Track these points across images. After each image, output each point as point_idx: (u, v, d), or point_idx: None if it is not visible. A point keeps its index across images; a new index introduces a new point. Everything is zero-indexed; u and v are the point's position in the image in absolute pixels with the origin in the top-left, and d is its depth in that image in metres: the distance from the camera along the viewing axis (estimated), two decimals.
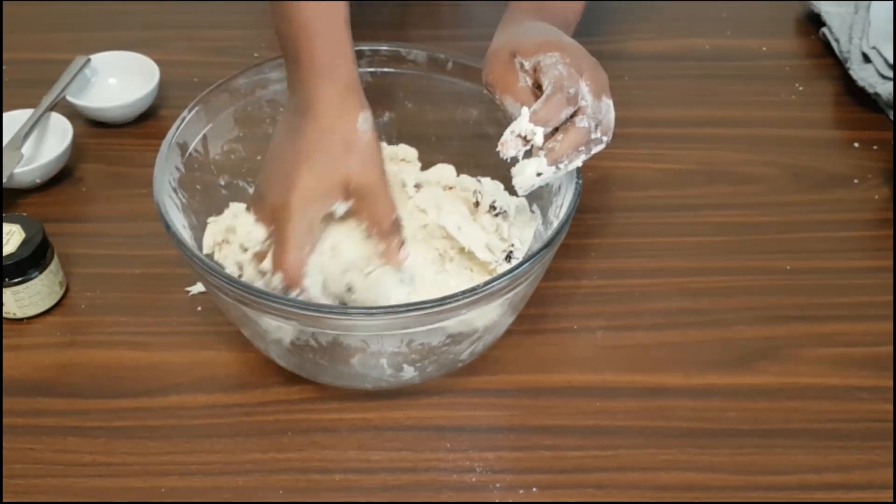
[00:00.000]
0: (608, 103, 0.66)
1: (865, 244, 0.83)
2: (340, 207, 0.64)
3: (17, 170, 0.83)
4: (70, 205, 0.85)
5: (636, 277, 0.79)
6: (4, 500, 0.64)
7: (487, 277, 0.71)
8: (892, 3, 0.99)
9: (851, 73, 0.96)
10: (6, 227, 0.74)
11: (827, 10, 1.03)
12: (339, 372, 0.67)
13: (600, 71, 0.67)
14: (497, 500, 0.65)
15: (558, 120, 0.63)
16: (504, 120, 0.67)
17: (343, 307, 0.65)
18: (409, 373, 0.67)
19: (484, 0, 1.06)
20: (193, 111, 0.72)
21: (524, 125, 0.63)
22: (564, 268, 0.78)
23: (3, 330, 0.75)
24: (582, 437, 0.68)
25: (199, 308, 0.76)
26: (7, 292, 0.73)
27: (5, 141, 0.85)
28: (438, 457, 0.67)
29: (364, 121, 0.64)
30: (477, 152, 0.77)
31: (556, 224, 0.67)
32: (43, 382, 0.71)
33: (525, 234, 0.73)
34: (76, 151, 0.89)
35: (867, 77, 0.94)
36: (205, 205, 0.73)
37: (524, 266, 0.61)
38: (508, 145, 0.63)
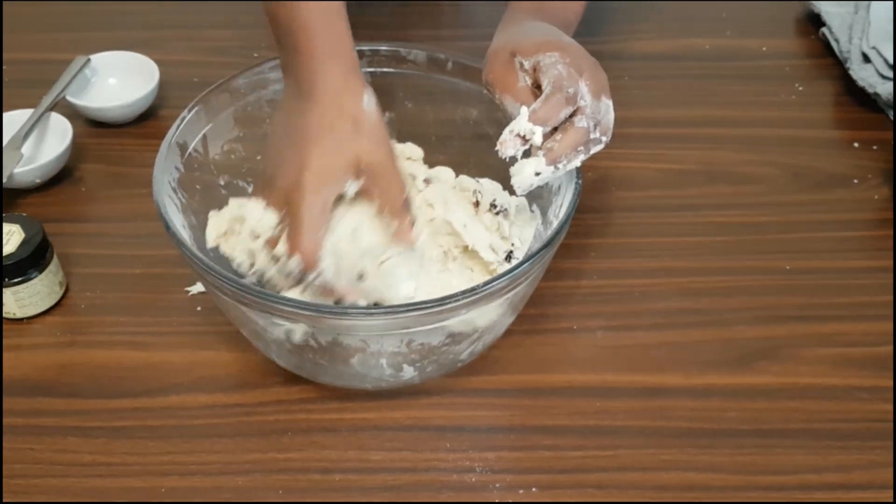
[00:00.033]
0: (607, 103, 0.66)
1: (865, 244, 0.83)
2: (352, 187, 0.63)
3: (17, 170, 0.83)
4: (70, 205, 0.85)
5: (636, 277, 0.79)
6: (4, 500, 0.64)
7: (487, 277, 0.71)
8: (892, 3, 0.99)
9: (851, 73, 0.96)
10: (6, 227, 0.74)
11: (827, 10, 1.03)
12: (338, 372, 0.67)
13: (600, 71, 0.67)
14: (497, 500, 0.65)
15: (557, 120, 0.63)
16: (504, 120, 0.67)
17: (343, 307, 0.65)
18: (408, 373, 0.67)
19: (484, 0, 1.06)
20: (193, 111, 0.72)
21: (523, 124, 0.63)
22: (564, 268, 0.78)
23: (3, 330, 0.75)
24: (582, 437, 0.68)
25: (199, 308, 0.76)
26: (7, 292, 0.73)
27: (5, 141, 0.85)
28: (438, 457, 0.67)
29: (369, 100, 0.64)
30: (477, 152, 0.77)
31: (555, 224, 0.67)
32: (43, 382, 0.71)
33: (525, 233, 0.73)
34: (76, 151, 0.89)
35: (867, 77, 0.94)
36: (204, 205, 0.73)
37: (524, 266, 0.61)
38: (507, 144, 0.63)
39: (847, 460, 0.67)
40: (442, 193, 0.73)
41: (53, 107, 0.89)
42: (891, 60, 0.94)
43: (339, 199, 0.64)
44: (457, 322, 0.63)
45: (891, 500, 0.65)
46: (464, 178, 0.77)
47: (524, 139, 0.63)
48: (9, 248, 0.72)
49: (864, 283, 0.79)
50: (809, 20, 1.06)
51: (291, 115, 0.64)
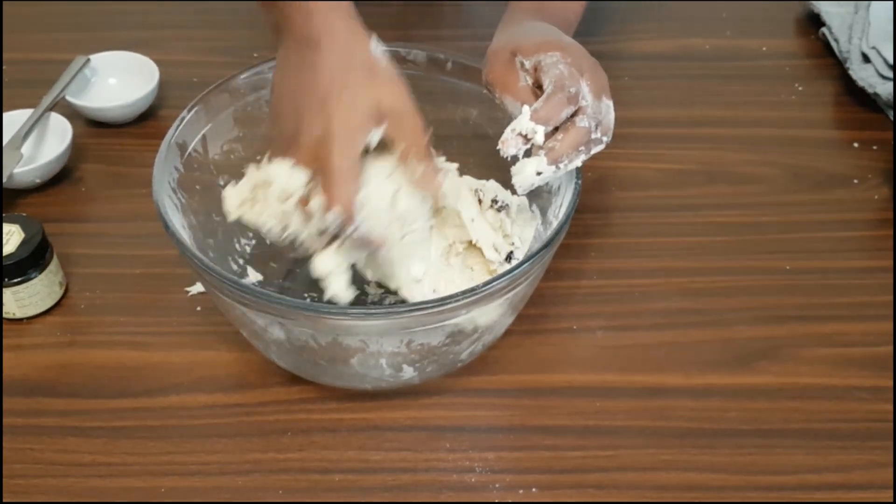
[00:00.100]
0: (608, 104, 0.66)
1: (865, 244, 0.83)
2: (376, 134, 0.62)
3: (17, 170, 0.83)
4: (70, 205, 0.85)
5: (636, 277, 0.79)
6: (4, 500, 0.64)
7: (487, 277, 0.71)
8: (892, 3, 0.99)
9: (851, 73, 0.96)
10: (6, 227, 0.74)
11: (827, 10, 1.03)
12: (338, 372, 0.67)
13: (600, 71, 0.67)
14: (497, 500, 0.65)
15: (559, 119, 0.63)
16: (504, 120, 0.67)
17: (343, 307, 0.65)
18: (408, 373, 0.67)
19: (484, 0, 1.06)
20: (193, 111, 0.72)
21: (525, 124, 0.63)
22: (564, 268, 0.78)
23: (3, 330, 0.75)
24: (582, 437, 0.68)
25: (199, 308, 0.76)
26: (7, 292, 0.73)
27: (5, 141, 0.85)
28: (438, 457, 0.67)
29: (376, 45, 0.63)
30: (477, 152, 0.77)
31: (555, 224, 0.67)
32: (43, 382, 0.71)
33: (525, 233, 0.73)
34: (76, 151, 0.89)
35: (867, 77, 0.94)
36: (204, 205, 0.73)
37: (524, 266, 0.61)
38: (509, 143, 0.63)
39: (847, 460, 0.67)
40: (454, 184, 0.72)
41: (53, 107, 0.89)
42: (891, 60, 0.94)
43: (364, 151, 0.62)
44: (456, 322, 0.63)
45: (891, 500, 0.65)
46: (467, 177, 0.77)
47: (526, 138, 0.63)
48: (9, 248, 0.72)
49: (864, 283, 0.79)
50: (809, 20, 1.06)
51: (300, 71, 0.62)
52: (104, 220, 0.84)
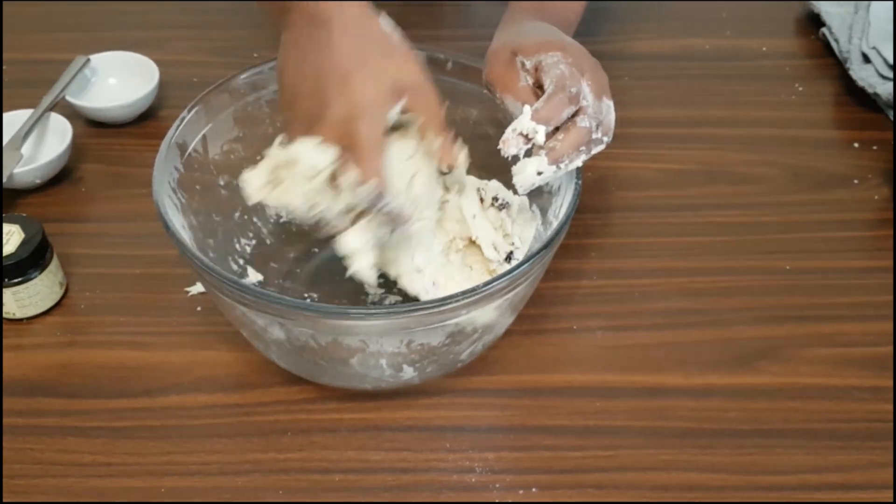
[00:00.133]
0: (609, 104, 0.66)
1: (865, 244, 0.83)
2: (396, 109, 0.62)
3: (17, 170, 0.83)
4: (70, 205, 0.85)
5: (636, 277, 0.79)
6: (4, 500, 0.64)
7: (486, 277, 0.71)
8: (892, 3, 0.99)
9: (851, 73, 0.96)
10: (6, 227, 0.74)
11: (827, 10, 1.03)
12: (338, 372, 0.67)
13: (601, 72, 0.67)
14: (497, 500, 0.65)
15: (560, 119, 0.63)
16: (504, 120, 0.67)
17: (342, 307, 0.65)
18: (408, 373, 0.67)
19: (484, 0, 1.06)
20: (193, 111, 0.72)
21: (526, 123, 0.63)
22: (564, 268, 0.78)
23: (3, 330, 0.75)
24: (582, 437, 0.68)
25: (199, 308, 0.76)
26: (7, 292, 0.73)
27: (5, 141, 0.85)
28: (438, 457, 0.67)
29: (386, 22, 0.63)
30: (477, 153, 0.76)
31: (555, 224, 0.67)
32: (43, 382, 0.71)
33: (525, 233, 0.73)
34: (76, 151, 0.89)
35: (867, 77, 0.94)
36: (204, 205, 0.73)
37: (524, 266, 0.61)
38: (510, 143, 0.63)
39: (847, 460, 0.67)
40: (458, 178, 0.72)
41: (53, 107, 0.89)
42: (891, 60, 0.94)
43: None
44: (457, 322, 0.63)
45: (891, 500, 0.65)
46: (470, 177, 0.77)
47: (527, 138, 0.63)
48: (9, 248, 0.72)
49: (864, 283, 0.79)
50: (809, 20, 1.06)
51: (313, 50, 0.62)
52: (104, 220, 0.84)
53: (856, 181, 0.88)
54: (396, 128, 0.64)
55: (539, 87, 0.66)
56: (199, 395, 0.70)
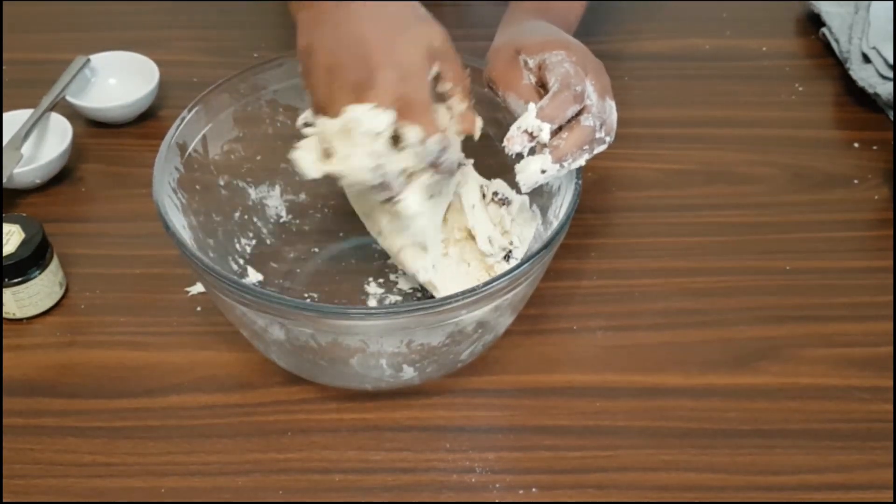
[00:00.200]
0: (611, 104, 0.66)
1: (865, 244, 0.83)
2: (432, 73, 0.63)
3: (17, 170, 0.83)
4: (70, 205, 0.85)
5: (636, 277, 0.79)
6: (4, 500, 0.64)
7: (483, 274, 0.71)
8: (892, 3, 0.99)
9: (851, 73, 0.96)
10: (6, 227, 0.74)
11: (827, 10, 1.03)
12: (338, 372, 0.67)
13: (604, 72, 0.67)
14: (497, 501, 0.65)
15: (564, 117, 0.63)
16: (504, 120, 0.67)
17: (342, 307, 0.65)
18: (408, 373, 0.67)
19: (484, 0, 1.06)
20: (193, 111, 0.72)
21: (531, 121, 0.63)
22: (564, 268, 0.78)
23: (3, 330, 0.75)
24: (582, 437, 0.68)
25: (199, 308, 0.76)
26: (7, 292, 0.73)
27: (5, 141, 0.85)
28: (438, 457, 0.67)
29: None
30: (477, 153, 0.77)
31: (555, 224, 0.67)
32: (43, 382, 0.71)
33: (525, 232, 0.74)
34: (76, 151, 0.89)
35: (867, 77, 0.94)
36: (204, 205, 0.73)
37: (524, 266, 0.61)
38: (514, 141, 0.63)
39: (847, 460, 0.67)
40: (463, 171, 0.72)
41: (53, 107, 0.89)
42: (891, 60, 0.94)
43: None
44: (457, 322, 0.63)
45: (891, 500, 0.65)
46: (474, 172, 0.77)
47: (531, 136, 0.63)
48: (9, 248, 0.72)
49: (864, 283, 0.79)
50: (809, 20, 1.06)
51: (351, 21, 0.62)
52: (104, 220, 0.84)
53: (856, 181, 0.88)
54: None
55: (542, 86, 0.66)
56: (199, 395, 0.70)
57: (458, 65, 0.64)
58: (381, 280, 0.77)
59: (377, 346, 0.64)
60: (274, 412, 0.70)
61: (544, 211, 0.74)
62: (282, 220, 0.81)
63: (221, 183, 0.76)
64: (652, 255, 0.81)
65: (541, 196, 0.74)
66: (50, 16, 1.07)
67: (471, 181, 0.72)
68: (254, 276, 0.76)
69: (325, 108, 0.63)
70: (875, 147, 0.92)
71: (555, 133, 0.64)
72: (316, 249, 0.79)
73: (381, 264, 0.78)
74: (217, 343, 0.74)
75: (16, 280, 0.73)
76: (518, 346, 0.74)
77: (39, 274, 0.74)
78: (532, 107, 0.63)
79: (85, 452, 0.67)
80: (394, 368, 0.66)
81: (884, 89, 0.93)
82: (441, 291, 0.71)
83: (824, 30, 1.02)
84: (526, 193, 0.71)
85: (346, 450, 0.68)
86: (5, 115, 0.87)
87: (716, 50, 1.03)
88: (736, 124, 0.94)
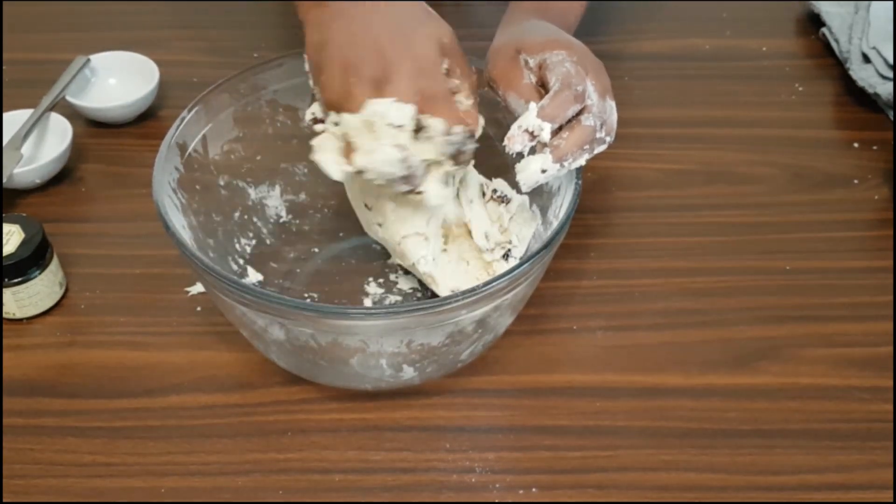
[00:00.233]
0: (612, 104, 0.66)
1: (865, 244, 0.83)
2: (443, 68, 0.64)
3: (17, 170, 0.83)
4: (70, 205, 0.85)
5: (636, 277, 0.79)
6: (4, 500, 0.64)
7: (482, 273, 0.71)
8: (892, 3, 0.99)
9: (851, 73, 0.96)
10: (6, 227, 0.74)
11: (827, 10, 1.03)
12: (338, 372, 0.67)
13: (604, 72, 0.67)
14: (497, 501, 0.65)
15: (565, 116, 0.63)
16: (504, 120, 0.67)
17: (342, 307, 0.65)
18: (408, 373, 0.67)
19: (484, 0, 1.06)
20: (193, 111, 0.72)
21: (532, 120, 0.63)
22: (564, 268, 0.78)
23: (3, 330, 0.75)
24: (582, 437, 0.68)
25: (199, 308, 0.76)
26: (7, 292, 0.73)
27: (5, 141, 0.85)
28: (438, 457, 0.67)
29: None
30: (477, 152, 0.76)
31: (555, 224, 0.67)
32: (43, 382, 0.71)
33: (524, 232, 0.74)
34: (76, 151, 0.89)
35: (867, 77, 0.94)
36: (204, 205, 0.73)
37: (524, 266, 0.61)
38: (515, 140, 0.63)
39: (847, 460, 0.67)
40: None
41: (53, 107, 0.89)
42: (891, 60, 0.94)
43: None
44: (456, 322, 0.63)
45: (891, 500, 0.65)
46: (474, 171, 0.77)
47: (532, 135, 0.63)
48: (9, 248, 0.72)
49: (864, 283, 0.79)
50: (809, 20, 1.06)
51: (366, 18, 0.63)
52: (104, 220, 0.84)
53: (856, 181, 0.88)
54: None
55: (542, 86, 0.66)
56: (199, 395, 0.70)
57: (465, 62, 0.65)
58: (381, 280, 0.77)
59: (377, 346, 0.64)
60: (274, 412, 0.70)
61: (544, 211, 0.74)
62: (282, 220, 0.81)
63: (221, 183, 0.76)
64: (652, 255, 0.81)
65: (541, 196, 0.74)
66: (50, 16, 1.07)
67: (470, 177, 0.72)
68: (254, 276, 0.76)
69: (341, 104, 0.63)
70: (875, 147, 0.92)
71: (555, 133, 0.64)
72: (316, 249, 0.79)
73: (381, 264, 0.78)
74: (217, 343, 0.74)
75: (16, 280, 0.73)
76: (518, 346, 0.74)
77: (39, 274, 0.74)
78: (533, 106, 0.63)
79: (85, 452, 0.67)
80: (394, 368, 0.66)
81: (884, 89, 0.93)
82: (440, 286, 0.71)
83: (824, 30, 1.02)
84: (526, 193, 0.71)
85: (346, 450, 0.68)
86: (5, 115, 0.87)
87: (716, 50, 1.03)
88: (736, 124, 0.94)
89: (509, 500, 0.65)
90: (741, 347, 0.74)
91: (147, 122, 0.93)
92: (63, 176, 0.87)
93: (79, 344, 0.74)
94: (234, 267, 0.76)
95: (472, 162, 0.72)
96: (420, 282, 0.75)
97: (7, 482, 0.65)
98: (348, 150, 0.63)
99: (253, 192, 0.79)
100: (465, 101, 0.64)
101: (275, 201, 0.80)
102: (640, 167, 0.89)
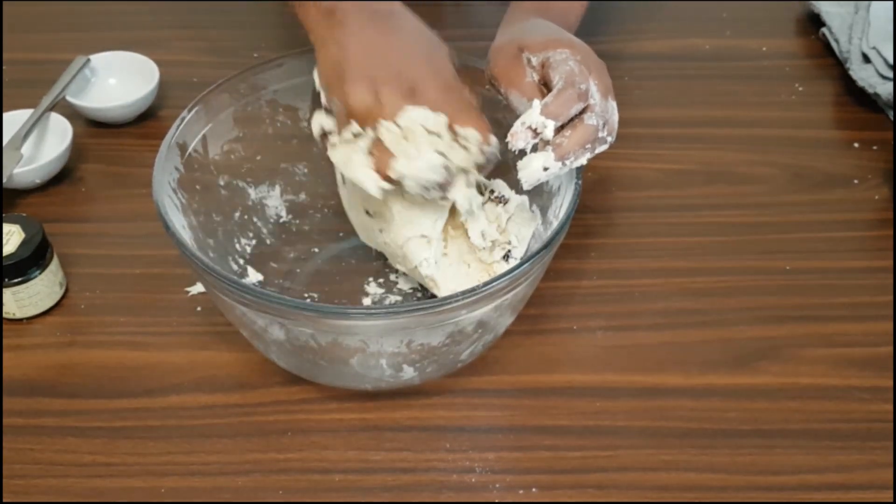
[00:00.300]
0: (613, 104, 0.66)
1: (865, 244, 0.83)
2: None
3: (17, 170, 0.83)
4: (70, 205, 0.85)
5: (636, 277, 0.79)
6: (4, 500, 0.64)
7: (483, 275, 0.71)
8: (892, 3, 0.99)
9: (851, 73, 0.96)
10: (6, 227, 0.74)
11: (827, 10, 1.03)
12: (338, 372, 0.67)
13: (606, 72, 0.67)
14: (497, 501, 0.65)
15: (568, 115, 0.63)
16: (505, 120, 0.67)
17: (342, 307, 0.65)
18: (408, 373, 0.67)
19: (484, 0, 1.06)
20: (193, 111, 0.72)
21: (535, 117, 0.63)
22: (564, 268, 0.78)
23: (3, 330, 0.75)
24: (582, 437, 0.68)
25: (199, 308, 0.76)
26: (7, 292, 0.73)
27: (5, 141, 0.85)
28: (438, 457, 0.67)
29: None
30: None
31: (555, 224, 0.67)
32: (43, 382, 0.71)
33: (524, 232, 0.74)
34: (76, 151, 0.89)
35: (867, 77, 0.94)
36: (204, 205, 0.73)
37: (524, 266, 0.61)
38: (518, 136, 0.63)
39: (847, 460, 0.67)
40: None
41: (53, 107, 0.89)
42: (891, 60, 0.94)
43: None
44: (457, 322, 0.63)
45: (891, 500, 0.65)
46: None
47: (535, 132, 0.63)
48: (9, 248, 0.72)
49: (864, 283, 0.79)
50: (809, 20, 1.06)
51: (389, 38, 0.65)
52: (104, 220, 0.84)
53: (856, 181, 0.88)
54: None
55: (545, 85, 0.66)
56: (199, 395, 0.70)
57: (470, 82, 0.68)
58: (381, 280, 0.77)
59: (377, 346, 0.64)
60: (274, 412, 0.70)
61: (544, 211, 0.74)
62: (282, 220, 0.81)
63: (221, 183, 0.76)
64: (652, 255, 0.81)
65: (541, 196, 0.74)
66: (50, 16, 1.07)
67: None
68: (254, 276, 0.76)
69: (371, 113, 0.64)
70: (875, 147, 0.92)
71: (557, 131, 0.64)
72: (316, 249, 0.79)
73: (381, 264, 0.78)
74: (217, 343, 0.74)
75: (16, 280, 0.73)
76: (518, 346, 0.74)
77: (39, 274, 0.74)
78: (536, 103, 0.63)
79: (85, 452, 0.67)
80: (394, 368, 0.66)
81: (884, 89, 0.93)
82: (441, 289, 0.71)
83: (824, 30, 1.02)
84: (527, 191, 0.71)
85: (346, 450, 0.68)
86: (5, 115, 0.87)
87: (716, 50, 1.03)
88: (736, 124, 0.94)
89: (509, 500, 0.65)
90: (741, 347, 0.74)
91: (147, 122, 0.93)
92: (63, 176, 0.87)
93: (79, 344, 0.74)
94: (234, 267, 0.76)
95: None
96: None
97: (7, 482, 0.65)
98: (381, 162, 0.64)
99: (253, 192, 0.79)
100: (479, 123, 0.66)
101: (275, 201, 0.80)
102: (640, 167, 0.89)
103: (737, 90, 0.98)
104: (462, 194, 0.66)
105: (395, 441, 0.68)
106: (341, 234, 0.80)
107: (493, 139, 0.64)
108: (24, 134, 0.86)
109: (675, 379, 0.72)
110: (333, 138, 0.66)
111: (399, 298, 0.76)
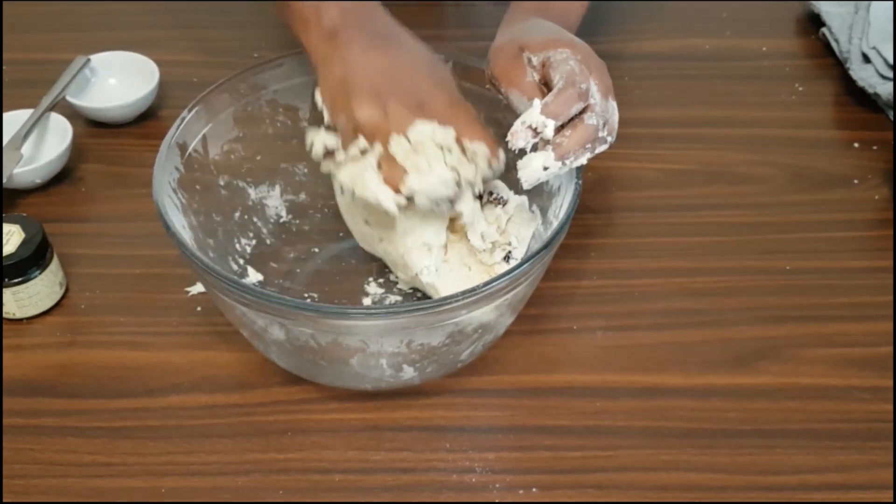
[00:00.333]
0: (613, 104, 0.66)
1: (865, 244, 0.83)
2: None
3: (17, 170, 0.83)
4: (70, 205, 0.85)
5: (636, 277, 0.79)
6: (4, 500, 0.64)
7: (484, 277, 0.71)
8: (892, 3, 0.99)
9: (851, 73, 0.96)
10: (6, 227, 0.74)
11: (827, 10, 1.03)
12: (338, 372, 0.67)
13: (606, 72, 0.67)
14: (497, 501, 0.65)
15: (569, 114, 0.63)
16: (504, 120, 0.67)
17: (342, 307, 0.65)
18: (408, 373, 0.67)
19: (485, 0, 1.06)
20: (193, 111, 0.72)
21: (535, 117, 0.63)
22: (564, 268, 0.78)
23: (3, 330, 0.75)
24: (582, 437, 0.68)
25: (199, 308, 0.76)
26: (7, 292, 0.73)
27: (5, 141, 0.85)
28: (438, 457, 0.67)
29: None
30: None
31: (555, 224, 0.67)
32: (43, 382, 0.71)
33: (524, 232, 0.74)
34: (76, 151, 0.89)
35: (867, 77, 0.94)
36: (204, 205, 0.73)
37: (524, 266, 0.61)
38: (518, 136, 0.63)
39: (847, 460, 0.67)
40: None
41: (53, 107, 0.89)
42: (891, 60, 0.94)
43: None
44: (457, 322, 0.63)
45: (891, 500, 0.65)
46: None
47: (535, 131, 0.63)
48: (9, 248, 0.72)
49: (864, 283, 0.79)
50: (809, 20, 1.06)
51: (394, 56, 0.66)
52: (104, 220, 0.84)
53: (856, 181, 0.88)
54: None
55: (545, 84, 0.66)
56: (199, 395, 0.70)
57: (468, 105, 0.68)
58: (381, 280, 0.77)
59: (377, 346, 0.64)
60: (274, 412, 0.70)
61: (544, 211, 0.74)
62: (282, 220, 0.81)
63: (221, 183, 0.76)
64: (652, 255, 0.81)
65: (541, 196, 0.74)
66: (50, 16, 1.07)
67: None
68: (254, 276, 0.76)
69: (379, 128, 0.64)
70: (875, 147, 0.92)
71: (558, 130, 0.64)
72: (316, 249, 0.79)
73: (381, 264, 0.78)
74: (217, 343, 0.74)
75: (16, 280, 0.73)
76: (518, 346, 0.74)
77: (39, 274, 0.74)
78: (537, 103, 0.63)
79: (85, 452, 0.67)
80: (394, 368, 0.66)
81: (884, 89, 0.93)
82: (442, 294, 0.71)
83: (824, 30, 1.02)
84: (527, 191, 0.71)
85: (346, 450, 0.68)
86: (5, 115, 0.87)
87: (716, 50, 1.03)
88: (736, 124, 0.94)
89: (509, 500, 0.65)
90: (741, 347, 0.74)
91: (147, 122, 0.93)
92: (63, 176, 0.87)
93: (79, 344, 0.74)
94: (234, 267, 0.76)
95: None
96: None
97: (7, 482, 0.65)
98: (391, 178, 0.64)
99: (253, 192, 0.79)
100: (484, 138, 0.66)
101: (275, 201, 0.80)
102: (640, 167, 0.89)
103: (737, 90, 0.98)
104: (469, 206, 0.67)
105: (395, 441, 0.68)
106: (341, 234, 0.80)
107: (502, 154, 0.65)
108: (24, 134, 0.86)
109: (675, 379, 0.72)
110: (339, 156, 0.66)
111: (399, 298, 0.76)
